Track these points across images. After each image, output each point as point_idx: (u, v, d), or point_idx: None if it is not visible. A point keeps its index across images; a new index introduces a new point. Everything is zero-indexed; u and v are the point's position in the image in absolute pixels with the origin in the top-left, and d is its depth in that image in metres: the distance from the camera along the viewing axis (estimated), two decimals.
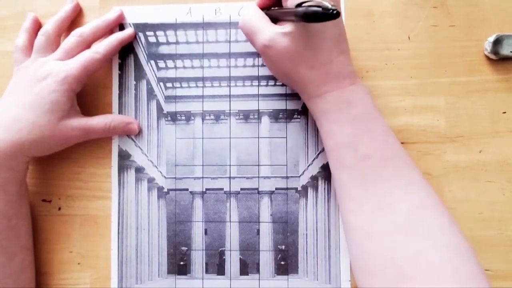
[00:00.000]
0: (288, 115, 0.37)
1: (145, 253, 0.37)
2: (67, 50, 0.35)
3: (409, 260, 0.26)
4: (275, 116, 0.37)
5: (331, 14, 0.25)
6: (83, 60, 0.34)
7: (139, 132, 0.37)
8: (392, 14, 0.36)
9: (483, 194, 0.35)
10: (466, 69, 0.36)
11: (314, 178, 0.36)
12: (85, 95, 0.38)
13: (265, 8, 0.33)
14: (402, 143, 0.35)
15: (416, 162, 0.34)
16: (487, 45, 0.35)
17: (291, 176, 0.36)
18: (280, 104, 0.37)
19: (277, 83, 0.37)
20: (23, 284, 0.35)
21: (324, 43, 0.29)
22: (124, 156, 0.37)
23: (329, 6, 0.25)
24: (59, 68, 0.33)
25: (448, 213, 0.28)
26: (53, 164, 0.38)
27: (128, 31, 0.37)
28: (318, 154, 0.36)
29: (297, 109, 0.37)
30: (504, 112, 0.35)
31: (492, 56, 0.35)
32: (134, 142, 0.38)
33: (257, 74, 0.37)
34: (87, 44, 0.36)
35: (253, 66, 0.37)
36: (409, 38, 0.36)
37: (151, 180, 0.37)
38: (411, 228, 0.27)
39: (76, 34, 0.35)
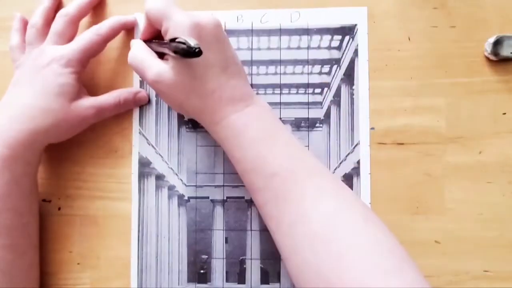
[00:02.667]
0: (310, 124, 0.36)
1: (165, 261, 0.37)
2: (58, 32, 0.35)
3: (332, 268, 0.25)
4: (297, 124, 0.37)
5: (193, 52, 0.26)
6: (85, 42, 0.34)
7: (149, 101, 0.37)
8: (392, 15, 0.36)
9: (483, 195, 0.35)
10: (467, 70, 0.35)
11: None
12: None
13: (147, 41, 0.34)
14: (402, 144, 0.35)
15: (417, 162, 0.35)
16: (488, 46, 0.35)
17: None
18: (302, 113, 0.37)
19: (299, 91, 0.37)
20: (32, 281, 0.35)
21: (210, 71, 0.30)
22: (144, 163, 0.37)
23: (192, 44, 0.26)
24: (61, 52, 0.34)
25: (363, 211, 0.28)
26: (53, 164, 0.38)
27: (130, 17, 0.37)
28: (340, 163, 0.36)
29: (319, 118, 0.36)
30: (505, 113, 0.35)
31: (493, 57, 0.35)
32: (155, 149, 0.37)
33: (279, 82, 0.37)
34: (74, 22, 0.36)
35: (275, 74, 0.37)
36: (409, 39, 0.36)
37: (171, 188, 0.37)
38: (326, 236, 0.26)
39: (62, 14, 0.35)
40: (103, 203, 0.37)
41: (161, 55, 0.32)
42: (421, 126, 0.35)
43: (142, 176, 0.37)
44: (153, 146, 0.37)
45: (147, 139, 0.37)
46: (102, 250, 0.37)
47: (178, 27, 0.28)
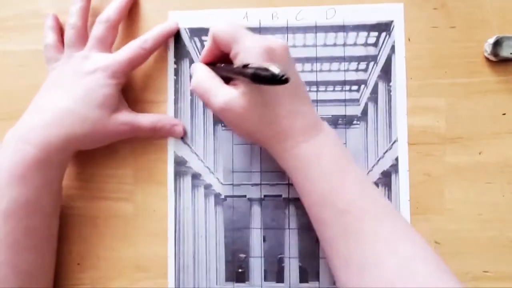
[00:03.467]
0: (347, 121, 0.36)
1: (202, 260, 0.36)
2: (100, 38, 0.34)
3: None
4: (334, 122, 0.36)
5: (279, 80, 0.24)
6: (130, 55, 0.34)
7: (185, 134, 0.37)
8: None
9: (483, 195, 0.35)
10: (466, 71, 0.35)
11: (375, 185, 0.36)
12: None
13: (211, 64, 0.32)
14: None
15: (416, 163, 0.35)
16: (487, 47, 0.35)
17: None
18: (339, 110, 0.36)
19: (336, 89, 0.37)
20: (49, 282, 0.35)
21: (282, 98, 0.28)
22: (180, 162, 0.37)
23: (277, 72, 0.24)
24: (107, 62, 0.33)
25: (433, 255, 0.27)
26: None
27: (172, 24, 0.36)
28: (378, 160, 0.36)
29: (357, 115, 0.36)
30: (504, 114, 0.35)
31: (492, 58, 0.35)
32: (190, 148, 0.37)
33: (315, 80, 0.37)
34: (115, 27, 0.35)
35: (311, 71, 0.37)
36: (409, 39, 0.36)
37: (207, 187, 0.37)
38: (402, 281, 0.25)
39: (103, 20, 0.35)
40: (103, 204, 0.37)
41: (226, 79, 0.31)
42: (421, 126, 0.35)
43: (178, 175, 0.37)
44: (188, 145, 0.37)
45: (182, 137, 0.37)
46: (102, 250, 0.37)
47: (250, 51, 0.27)
